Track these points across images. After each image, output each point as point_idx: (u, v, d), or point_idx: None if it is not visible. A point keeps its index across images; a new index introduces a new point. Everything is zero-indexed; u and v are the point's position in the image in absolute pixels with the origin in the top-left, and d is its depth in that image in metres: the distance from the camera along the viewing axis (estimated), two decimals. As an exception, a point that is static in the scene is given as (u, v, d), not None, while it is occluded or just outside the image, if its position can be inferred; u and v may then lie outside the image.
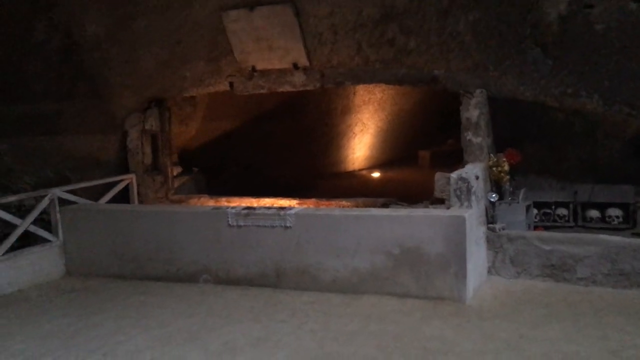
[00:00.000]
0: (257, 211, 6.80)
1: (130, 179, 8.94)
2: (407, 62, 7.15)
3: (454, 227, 5.90)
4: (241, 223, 6.79)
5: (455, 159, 13.21)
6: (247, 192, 8.99)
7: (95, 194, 8.83)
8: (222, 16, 7.66)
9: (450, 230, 5.92)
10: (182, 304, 6.40)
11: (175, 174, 9.32)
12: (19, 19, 8.63)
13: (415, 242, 6.07)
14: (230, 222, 6.83)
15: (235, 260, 6.87)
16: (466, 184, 6.20)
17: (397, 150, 15.18)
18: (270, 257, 6.70)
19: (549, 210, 7.14)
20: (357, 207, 7.55)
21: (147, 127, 8.94)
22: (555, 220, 7.10)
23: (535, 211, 7.12)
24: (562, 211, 7.08)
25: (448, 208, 6.50)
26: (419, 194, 7.92)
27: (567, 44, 6.39)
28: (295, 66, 7.69)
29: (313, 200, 7.94)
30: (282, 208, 6.89)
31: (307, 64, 7.62)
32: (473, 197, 6.24)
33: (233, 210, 6.88)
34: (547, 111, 7.05)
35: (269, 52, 7.66)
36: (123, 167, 9.20)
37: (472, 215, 6.11)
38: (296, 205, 7.95)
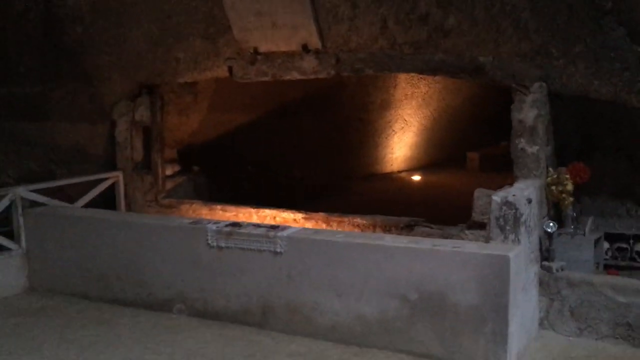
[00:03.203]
0: (241, 229, 5.36)
1: (116, 177, 7.62)
2: (443, 46, 5.54)
3: (493, 270, 4.32)
4: (222, 244, 5.38)
5: (509, 164, 11.83)
6: (261, 197, 7.56)
7: (81, 193, 7.62)
8: (218, -16, 6.23)
9: (488, 273, 4.34)
10: (143, 342, 5.12)
11: (170, 173, 7.95)
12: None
13: (439, 286, 4.52)
14: (209, 242, 5.44)
15: (215, 289, 5.49)
16: (513, 210, 4.56)
17: (442, 151, 13.52)
18: (255, 289, 5.28)
19: (625, 246, 5.44)
20: (373, 227, 5.99)
21: (137, 117, 7.57)
22: (633, 259, 5.40)
23: (606, 246, 5.44)
24: (643, 248, 5.39)
25: (487, 239, 4.89)
26: (462, 207, 6.45)
27: (664, 24, 4.70)
28: (305, 49, 6.16)
29: (321, 215, 6.41)
30: (273, 227, 5.40)
31: (320, 46, 6.08)
32: (522, 229, 4.61)
33: (214, 227, 5.47)
34: (628, 114, 5.35)
35: (273, 30, 6.15)
36: (113, 163, 7.93)
37: (520, 255, 4.49)
38: (301, 220, 6.47)
